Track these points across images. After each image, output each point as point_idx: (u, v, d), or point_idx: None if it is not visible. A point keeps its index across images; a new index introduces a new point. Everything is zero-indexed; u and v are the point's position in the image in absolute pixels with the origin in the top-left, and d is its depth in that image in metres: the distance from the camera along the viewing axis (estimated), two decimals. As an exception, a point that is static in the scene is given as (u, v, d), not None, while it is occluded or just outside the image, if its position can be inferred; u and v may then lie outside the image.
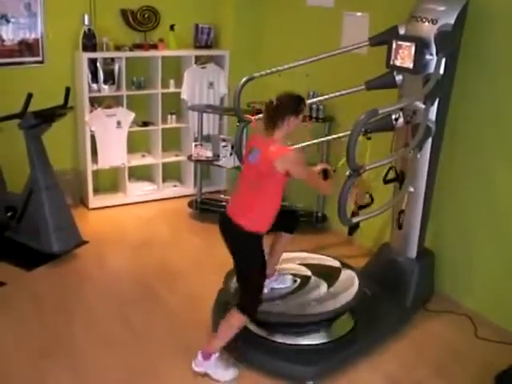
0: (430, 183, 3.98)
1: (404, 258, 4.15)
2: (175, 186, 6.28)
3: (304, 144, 4.49)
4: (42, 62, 5.43)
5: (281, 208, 3.41)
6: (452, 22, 3.52)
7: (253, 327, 3.64)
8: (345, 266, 4.03)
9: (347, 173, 3.19)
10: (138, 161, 6.02)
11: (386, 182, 3.95)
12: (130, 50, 5.60)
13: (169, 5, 5.82)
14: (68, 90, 4.78)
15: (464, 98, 3.99)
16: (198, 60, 5.94)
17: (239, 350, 3.51)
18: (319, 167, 3.59)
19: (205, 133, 5.92)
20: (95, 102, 5.59)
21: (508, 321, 3.95)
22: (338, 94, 4.23)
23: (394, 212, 4.12)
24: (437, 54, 3.52)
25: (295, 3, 5.54)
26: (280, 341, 3.54)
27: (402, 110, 3.73)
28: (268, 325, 3.61)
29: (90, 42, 5.35)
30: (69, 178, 5.62)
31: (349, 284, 3.80)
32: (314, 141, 4.57)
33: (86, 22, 5.34)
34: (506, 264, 3.95)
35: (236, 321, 3.33)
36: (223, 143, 5.58)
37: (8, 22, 5.18)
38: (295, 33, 5.56)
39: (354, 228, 3.81)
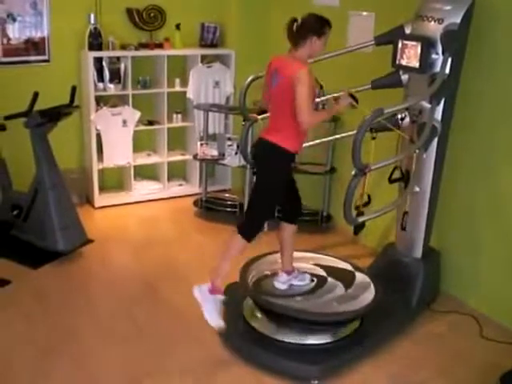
0: (436, 183, 3.97)
1: (409, 257, 4.14)
2: (181, 184, 6.29)
3: (314, 142, 4.49)
4: (48, 61, 5.44)
5: (291, 191, 3.56)
6: (458, 21, 3.52)
7: (258, 326, 3.65)
8: (357, 268, 4.04)
9: (352, 172, 3.20)
10: (143, 160, 6.03)
11: (391, 181, 3.94)
12: (136, 49, 5.61)
13: (174, 4, 5.82)
14: (74, 88, 4.79)
15: (470, 98, 3.97)
16: (204, 59, 5.94)
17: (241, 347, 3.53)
18: (343, 93, 3.58)
19: (210, 132, 5.92)
20: (101, 101, 5.60)
21: (513, 321, 3.95)
22: (343, 93, 4.22)
23: (398, 213, 4.11)
24: (443, 54, 3.52)
25: (301, 2, 5.52)
26: (285, 340, 3.54)
27: (407, 109, 3.72)
28: (274, 323, 3.62)
29: (95, 40, 5.36)
30: (74, 177, 5.63)
31: (365, 286, 3.82)
32: (319, 140, 4.56)
33: (92, 21, 5.35)
34: (511, 264, 3.94)
35: (236, 243, 3.47)
36: (229, 142, 5.58)
37: (14, 20, 5.20)
38: (301, 32, 5.55)
39: (359, 227, 3.81)
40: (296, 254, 3.93)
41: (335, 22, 5.06)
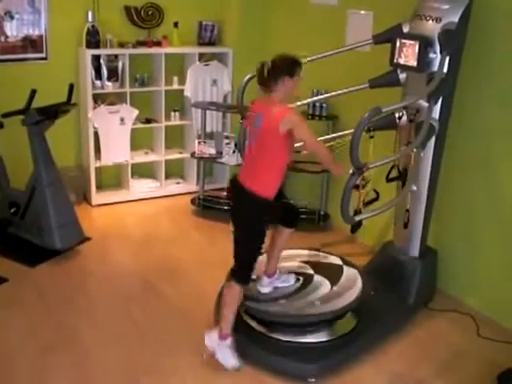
0: (433, 181, 3.98)
1: (407, 256, 4.15)
2: (178, 183, 6.28)
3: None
4: (45, 59, 5.43)
5: (280, 203, 3.48)
6: (456, 20, 3.52)
7: (255, 324, 3.65)
8: (347, 263, 4.03)
9: (350, 171, 3.20)
10: (141, 158, 6.02)
11: (388, 180, 3.94)
12: (134, 46, 5.60)
13: (172, 2, 5.82)
14: (71, 86, 4.78)
15: (468, 97, 3.98)
16: (202, 57, 5.94)
17: (239, 345, 3.52)
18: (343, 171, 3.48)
19: (208, 130, 5.92)
20: (98, 99, 5.59)
21: (511, 320, 3.95)
22: (341, 92, 4.24)
23: (399, 211, 4.11)
24: (441, 53, 3.52)
25: (299, 0, 5.53)
26: (282, 338, 3.55)
27: (405, 108, 3.72)
28: (270, 322, 3.61)
29: (93, 38, 5.35)
30: (72, 175, 5.63)
31: (352, 283, 3.80)
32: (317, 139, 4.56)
33: (90, 19, 5.34)
34: (509, 263, 3.94)
35: (233, 290, 3.42)
36: (226, 140, 5.58)
37: (12, 18, 5.18)
38: (299, 30, 5.55)
39: (356, 226, 3.81)
40: (286, 252, 3.92)
41: (333, 21, 5.13)
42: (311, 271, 3.94)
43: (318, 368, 3.44)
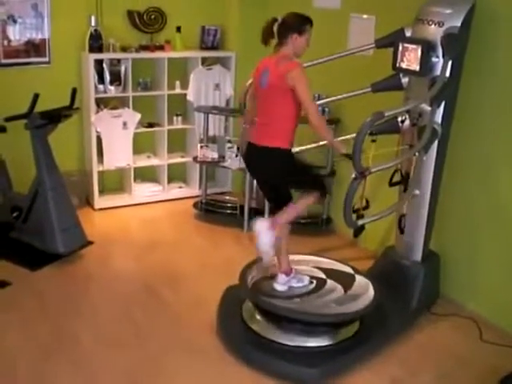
0: (436, 186, 3.97)
1: (409, 261, 4.14)
2: (180, 187, 6.28)
3: (310, 146, 4.50)
4: (48, 63, 5.44)
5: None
6: (458, 24, 3.52)
7: (258, 328, 3.64)
8: (357, 272, 4.04)
9: (352, 175, 3.20)
10: (143, 162, 6.03)
11: (391, 184, 3.94)
12: (137, 51, 5.61)
13: (175, 6, 5.83)
14: (74, 90, 4.79)
15: (470, 101, 3.98)
16: (205, 61, 5.95)
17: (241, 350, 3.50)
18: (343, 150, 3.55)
19: (210, 134, 5.92)
20: (101, 103, 5.60)
21: (513, 324, 3.95)
22: (344, 96, 4.24)
23: (397, 216, 4.11)
24: (443, 57, 3.52)
25: (302, 5, 5.51)
26: (284, 342, 3.54)
27: (408, 112, 3.72)
28: (273, 326, 3.61)
29: (96, 43, 5.36)
30: (75, 179, 5.63)
31: (364, 289, 3.81)
32: (320, 143, 4.56)
33: (93, 23, 5.35)
34: (511, 267, 3.94)
35: (310, 199, 3.50)
36: (229, 144, 5.58)
37: (15, 22, 5.20)
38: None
39: (359, 230, 3.81)
40: (296, 257, 3.92)
41: (336, 25, 5.12)
42: (323, 276, 3.97)
43: (319, 372, 3.43)
